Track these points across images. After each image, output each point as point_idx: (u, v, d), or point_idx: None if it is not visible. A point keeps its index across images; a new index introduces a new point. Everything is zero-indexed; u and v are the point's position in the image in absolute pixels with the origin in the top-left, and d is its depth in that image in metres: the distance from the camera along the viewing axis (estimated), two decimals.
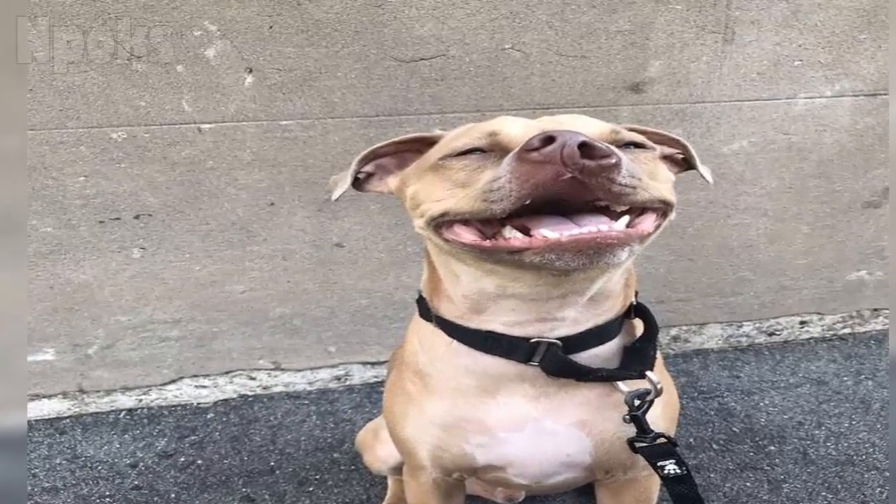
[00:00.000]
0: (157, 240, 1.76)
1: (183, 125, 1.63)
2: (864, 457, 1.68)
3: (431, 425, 0.95)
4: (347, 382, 2.07)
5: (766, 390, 1.98)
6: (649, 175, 0.76)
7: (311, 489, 1.65)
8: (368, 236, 1.84)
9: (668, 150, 0.99)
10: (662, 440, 0.88)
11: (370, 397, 2.01)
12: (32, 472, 1.74)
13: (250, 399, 2.02)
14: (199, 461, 1.76)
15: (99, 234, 1.72)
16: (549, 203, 0.68)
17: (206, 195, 1.72)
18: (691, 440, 1.76)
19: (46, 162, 1.62)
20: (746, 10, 1.70)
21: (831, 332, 2.26)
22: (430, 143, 0.92)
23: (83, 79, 1.54)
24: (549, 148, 0.64)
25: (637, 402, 0.86)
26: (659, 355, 0.94)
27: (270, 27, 1.55)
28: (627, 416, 0.87)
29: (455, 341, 0.89)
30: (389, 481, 1.54)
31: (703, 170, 0.99)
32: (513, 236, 0.70)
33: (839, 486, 1.59)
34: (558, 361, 0.84)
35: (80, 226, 1.71)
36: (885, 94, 1.87)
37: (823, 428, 1.80)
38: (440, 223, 0.78)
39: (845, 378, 2.02)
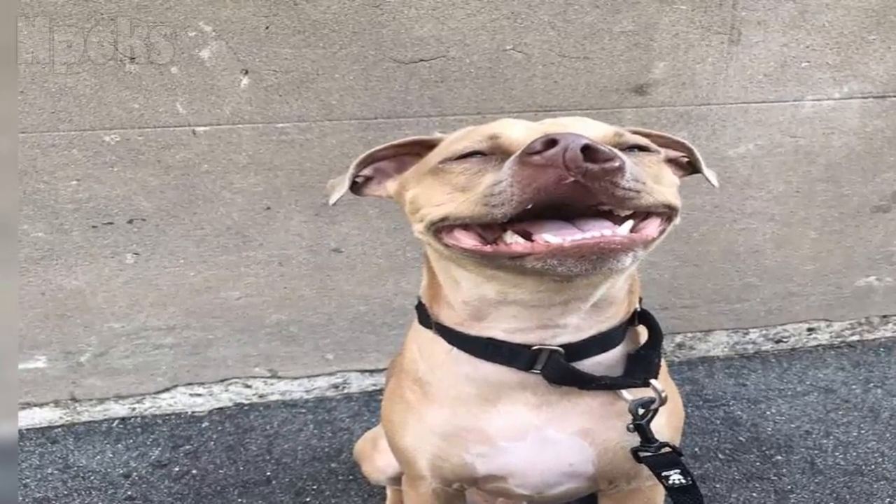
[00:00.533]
0: (150, 245, 1.73)
1: (177, 128, 1.61)
2: (873, 467, 1.66)
3: (431, 434, 0.94)
4: (345, 390, 2.04)
5: (773, 399, 1.96)
6: (654, 179, 0.75)
7: (308, 500, 1.63)
8: (367, 241, 1.82)
9: (673, 154, 0.99)
10: (667, 450, 0.87)
11: (368, 406, 1.99)
12: (24, 482, 1.72)
13: (246, 408, 1.99)
14: (194, 471, 1.74)
15: (92, 239, 1.70)
16: (551, 207, 0.67)
17: (201, 199, 1.70)
18: (696, 449, 1.74)
19: (38, 165, 1.60)
20: (753, 10, 1.68)
21: (839, 340, 2.23)
22: (429, 146, 0.92)
23: (75, 80, 1.52)
24: (552, 151, 0.63)
25: (641, 411, 0.86)
26: (663, 363, 0.94)
27: (267, 28, 1.53)
28: (631, 425, 0.86)
29: (455, 349, 0.89)
30: (388, 492, 1.53)
31: (709, 173, 0.98)
32: (514, 241, 0.69)
33: (848, 497, 1.57)
34: (560, 369, 0.83)
35: (72, 231, 1.68)
36: (894, 97, 1.85)
37: (831, 437, 1.77)
38: (440, 228, 0.77)
39: (854, 386, 2.00)
